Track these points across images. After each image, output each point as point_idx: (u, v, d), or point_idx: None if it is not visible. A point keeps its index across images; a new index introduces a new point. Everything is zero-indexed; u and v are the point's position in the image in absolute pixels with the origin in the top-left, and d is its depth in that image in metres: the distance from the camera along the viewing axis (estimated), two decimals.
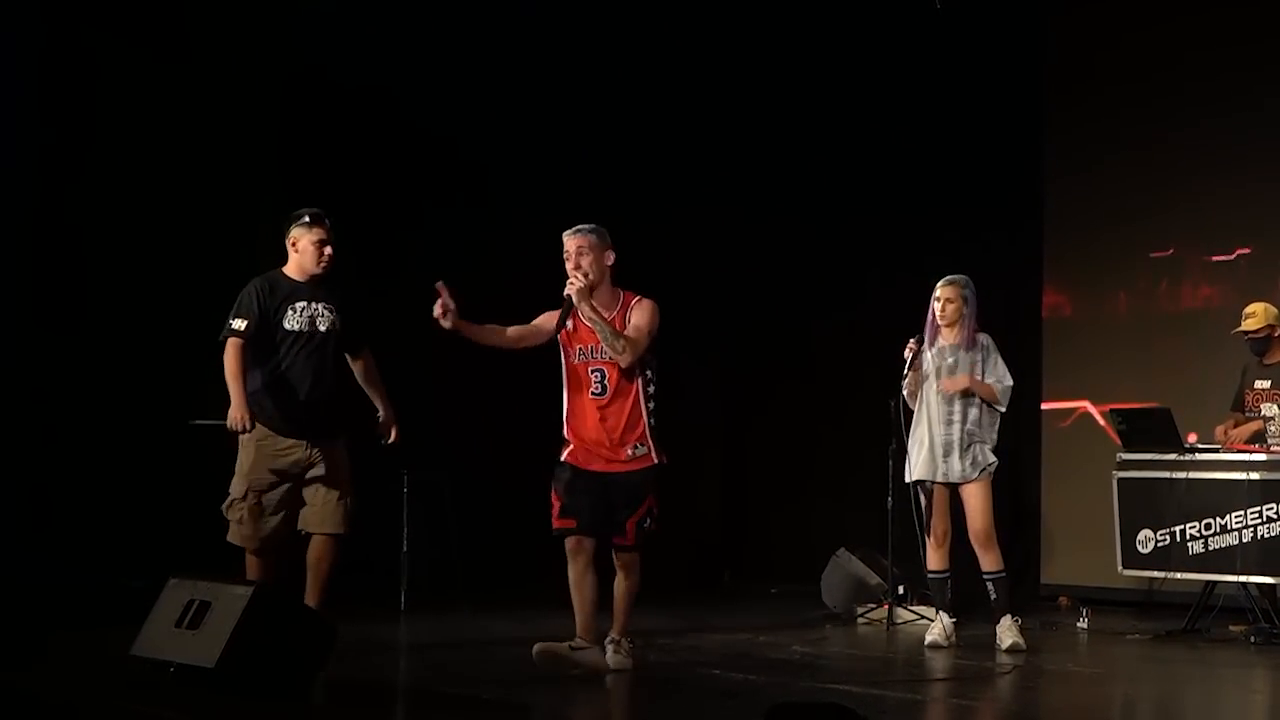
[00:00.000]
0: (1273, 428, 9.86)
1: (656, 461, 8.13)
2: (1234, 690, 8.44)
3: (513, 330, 8.17)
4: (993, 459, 9.40)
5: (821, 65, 13.24)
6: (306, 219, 8.42)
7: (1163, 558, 10.03)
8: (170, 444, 10.77)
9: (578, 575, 8.02)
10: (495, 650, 9.12)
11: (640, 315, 8.06)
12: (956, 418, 9.37)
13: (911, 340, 9.46)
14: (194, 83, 11.35)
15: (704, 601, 11.98)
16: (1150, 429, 10.18)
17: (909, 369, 9.46)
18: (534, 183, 12.50)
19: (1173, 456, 10.04)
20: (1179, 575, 10.03)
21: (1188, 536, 9.91)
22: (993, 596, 9.40)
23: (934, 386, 9.43)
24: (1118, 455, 10.41)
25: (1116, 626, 10.23)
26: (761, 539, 13.76)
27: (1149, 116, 12.10)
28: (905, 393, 9.55)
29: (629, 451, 8.06)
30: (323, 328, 8.38)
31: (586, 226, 8.07)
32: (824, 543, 11.46)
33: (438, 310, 7.84)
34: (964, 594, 9.77)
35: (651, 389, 8.18)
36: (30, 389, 10.85)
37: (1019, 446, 11.90)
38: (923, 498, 9.46)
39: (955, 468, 9.37)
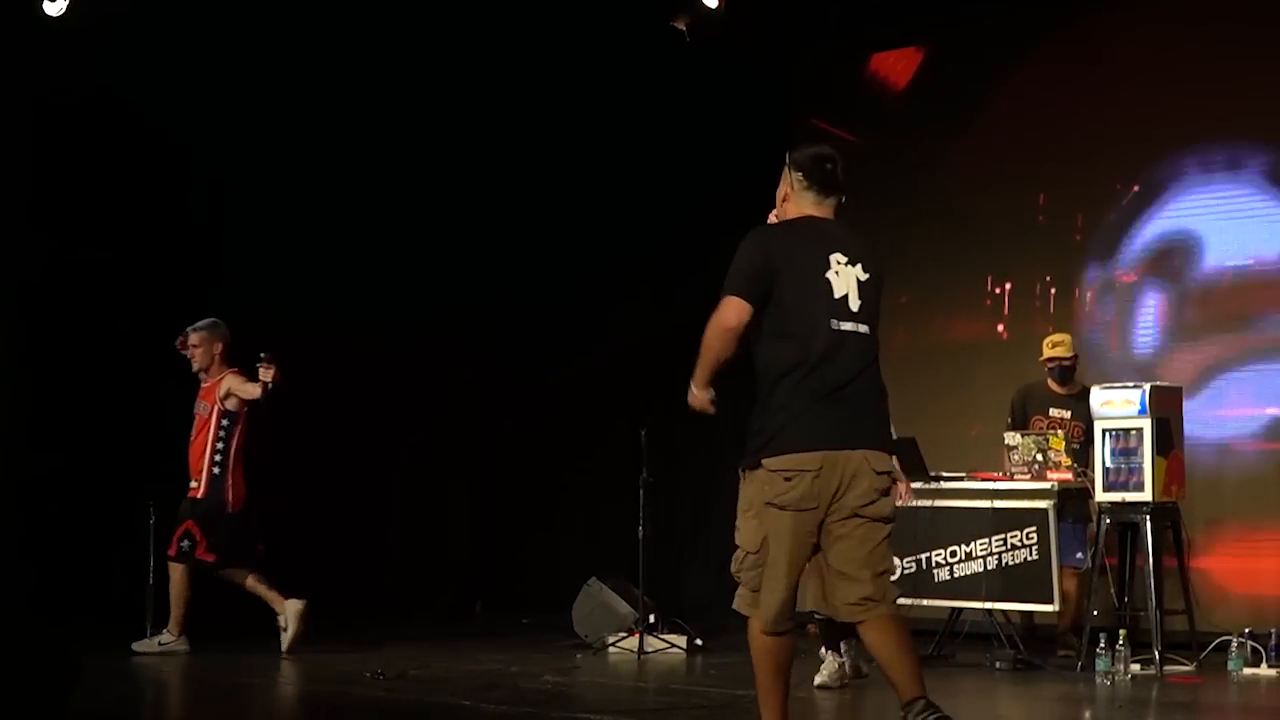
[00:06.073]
0: (1015, 456, 10.05)
1: None
2: (977, 714, 8.56)
3: None
4: None
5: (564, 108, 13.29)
6: None
7: (910, 584, 10.18)
8: None
9: None
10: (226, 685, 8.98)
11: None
12: None
13: None
14: None
15: (456, 632, 11.90)
16: (897, 457, 10.31)
17: None
18: None
19: (919, 485, 10.20)
20: (925, 602, 10.19)
21: (934, 564, 10.07)
22: None
23: None
24: None
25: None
26: (513, 570, 13.72)
27: (888, 148, 12.34)
28: None
29: None
30: None
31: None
32: (576, 573, 11.45)
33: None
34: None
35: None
36: None
37: None
38: None
39: None
